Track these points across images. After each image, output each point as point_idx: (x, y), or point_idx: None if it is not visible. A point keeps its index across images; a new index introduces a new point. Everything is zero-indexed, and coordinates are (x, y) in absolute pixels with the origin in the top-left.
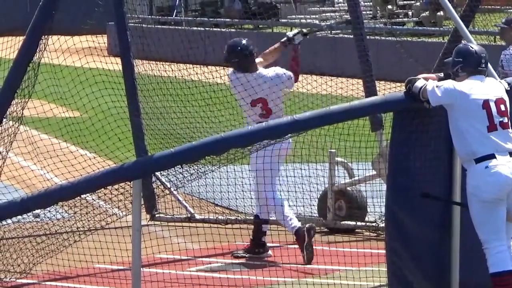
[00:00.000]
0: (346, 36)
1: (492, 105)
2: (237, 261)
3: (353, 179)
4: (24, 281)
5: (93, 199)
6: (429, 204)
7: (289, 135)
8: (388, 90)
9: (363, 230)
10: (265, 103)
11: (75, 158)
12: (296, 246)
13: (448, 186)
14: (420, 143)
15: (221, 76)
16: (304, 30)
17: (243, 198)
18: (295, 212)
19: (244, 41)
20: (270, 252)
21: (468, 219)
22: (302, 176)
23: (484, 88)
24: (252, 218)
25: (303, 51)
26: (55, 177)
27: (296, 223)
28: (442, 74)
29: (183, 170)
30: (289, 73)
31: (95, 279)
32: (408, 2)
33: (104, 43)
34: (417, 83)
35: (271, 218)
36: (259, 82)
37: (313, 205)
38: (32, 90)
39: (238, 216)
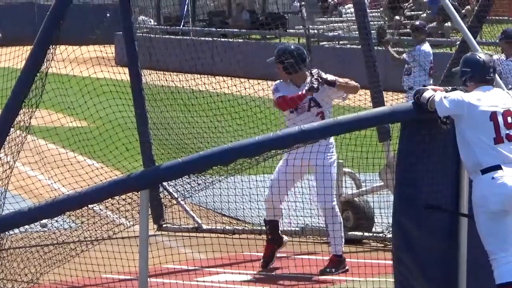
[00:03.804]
0: (353, 46)
1: (500, 117)
2: (244, 271)
3: (360, 189)
4: None
5: (100, 209)
6: (436, 214)
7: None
8: (395, 100)
9: (370, 241)
10: None
11: (83, 168)
12: (305, 256)
13: (455, 197)
14: (427, 153)
15: (228, 87)
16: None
17: (250, 209)
18: (303, 223)
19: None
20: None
21: (475, 229)
22: (309, 187)
23: (492, 99)
24: (259, 228)
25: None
26: (63, 187)
27: (343, 247)
28: (449, 88)
29: (191, 180)
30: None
31: None
32: (415, 13)
33: (112, 53)
34: (425, 93)
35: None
36: None
37: (320, 215)
38: (40, 99)
39: (245, 226)
